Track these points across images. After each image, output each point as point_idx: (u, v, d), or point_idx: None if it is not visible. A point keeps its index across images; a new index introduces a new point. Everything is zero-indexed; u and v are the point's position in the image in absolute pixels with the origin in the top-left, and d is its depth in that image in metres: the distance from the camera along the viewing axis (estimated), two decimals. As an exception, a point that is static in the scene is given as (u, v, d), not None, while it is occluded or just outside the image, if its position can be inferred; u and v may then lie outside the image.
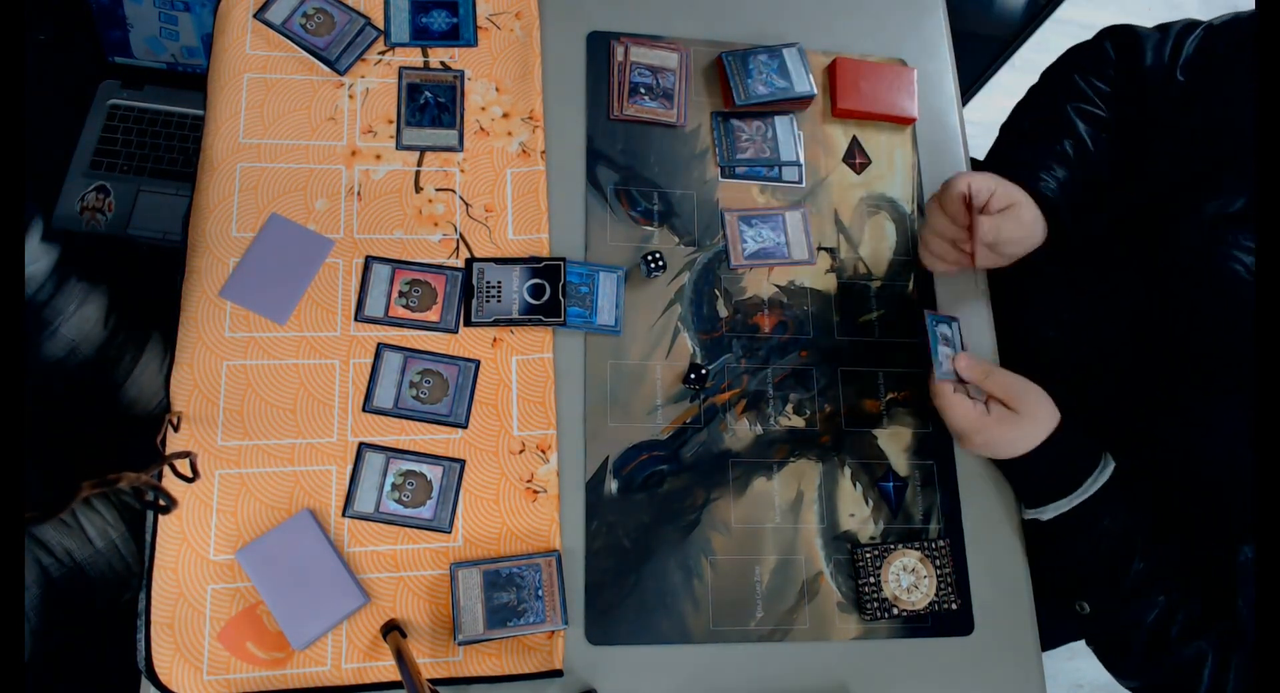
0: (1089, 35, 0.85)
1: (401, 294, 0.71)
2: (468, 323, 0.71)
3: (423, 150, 0.75)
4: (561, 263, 0.73)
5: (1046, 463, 0.70)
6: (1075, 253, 0.77)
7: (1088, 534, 0.69)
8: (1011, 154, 0.80)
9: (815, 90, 0.82)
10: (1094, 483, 0.69)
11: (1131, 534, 0.69)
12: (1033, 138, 0.79)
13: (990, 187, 0.72)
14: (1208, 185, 0.69)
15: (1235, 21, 0.76)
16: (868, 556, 0.71)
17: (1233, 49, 0.74)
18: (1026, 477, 0.73)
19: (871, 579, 0.70)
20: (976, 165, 0.88)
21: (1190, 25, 0.79)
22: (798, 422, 0.75)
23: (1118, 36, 0.82)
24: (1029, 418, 0.70)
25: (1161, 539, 0.69)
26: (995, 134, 0.84)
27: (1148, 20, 0.81)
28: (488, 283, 0.72)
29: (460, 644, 0.64)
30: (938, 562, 0.72)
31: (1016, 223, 0.72)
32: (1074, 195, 0.75)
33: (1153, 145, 0.77)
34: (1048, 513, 0.71)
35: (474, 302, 0.71)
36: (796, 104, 0.83)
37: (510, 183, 0.76)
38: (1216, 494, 0.67)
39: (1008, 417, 0.70)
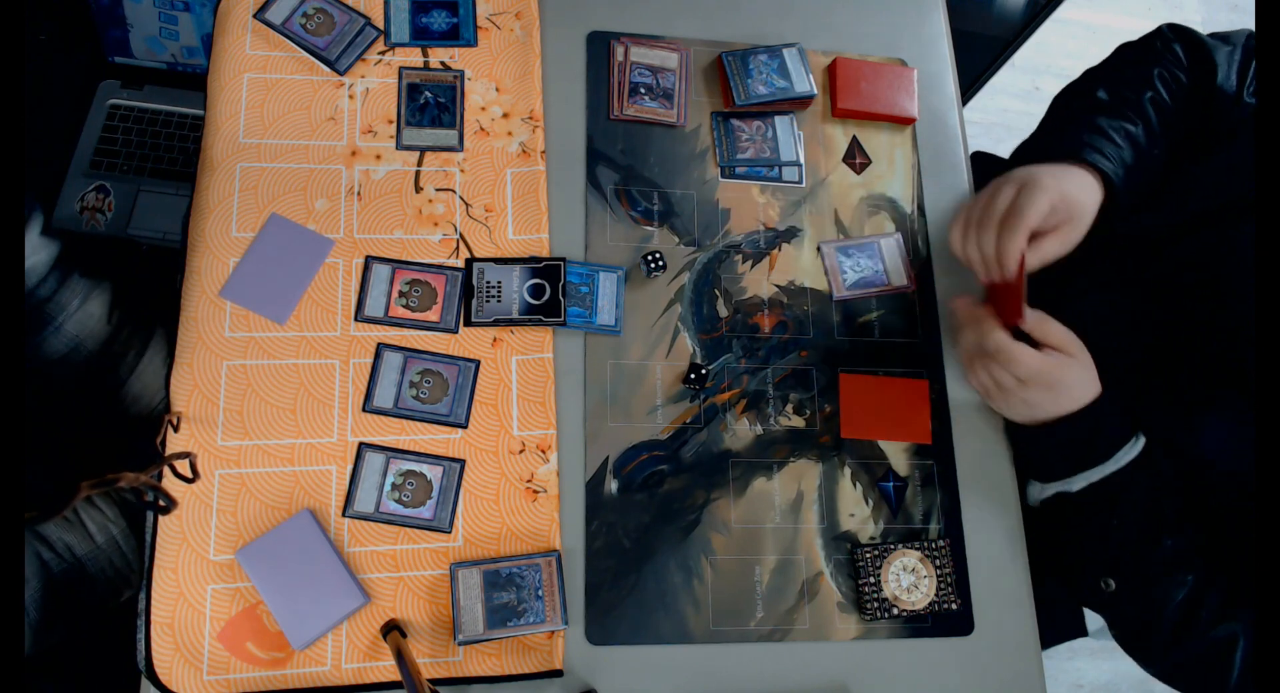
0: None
1: (401, 294, 0.71)
2: (468, 323, 0.71)
3: (423, 150, 0.75)
4: (561, 263, 0.73)
5: (1086, 427, 0.69)
6: (1116, 258, 0.76)
7: (1117, 507, 0.68)
8: (1084, 120, 0.75)
9: (815, 90, 0.82)
10: (1127, 453, 0.68)
11: (1161, 510, 0.68)
12: (1109, 110, 0.75)
13: (1043, 208, 0.67)
14: (1245, 209, 0.67)
15: None
16: (868, 556, 0.71)
17: None
18: (1064, 441, 0.70)
19: (871, 579, 0.70)
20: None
21: (1253, 40, 0.76)
22: (798, 422, 0.75)
23: (1188, 44, 0.77)
24: (1085, 362, 0.69)
25: (1187, 522, 0.68)
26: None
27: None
28: (488, 283, 0.72)
29: (460, 644, 0.64)
30: (938, 562, 0.72)
31: (1062, 245, 0.69)
32: (1133, 183, 0.73)
33: (1193, 165, 0.74)
34: (1077, 483, 0.70)
35: (474, 302, 0.71)
36: (796, 104, 0.83)
37: (510, 183, 0.76)
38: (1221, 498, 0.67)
39: (1067, 360, 0.68)
